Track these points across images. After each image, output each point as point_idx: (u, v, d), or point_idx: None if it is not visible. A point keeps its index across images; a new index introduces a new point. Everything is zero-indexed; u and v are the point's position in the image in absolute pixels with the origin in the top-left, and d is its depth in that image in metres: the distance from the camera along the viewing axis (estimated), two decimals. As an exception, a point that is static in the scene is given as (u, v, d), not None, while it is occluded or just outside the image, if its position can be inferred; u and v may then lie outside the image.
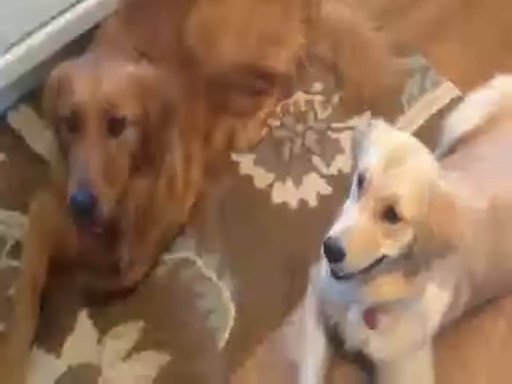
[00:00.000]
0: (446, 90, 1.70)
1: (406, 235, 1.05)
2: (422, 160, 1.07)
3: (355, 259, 1.05)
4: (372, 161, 1.06)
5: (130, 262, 1.36)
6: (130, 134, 1.21)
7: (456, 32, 1.79)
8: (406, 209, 1.03)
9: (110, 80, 1.19)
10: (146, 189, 1.29)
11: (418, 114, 1.67)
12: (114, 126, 1.18)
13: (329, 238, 1.05)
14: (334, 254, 1.04)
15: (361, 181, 1.07)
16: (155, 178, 1.30)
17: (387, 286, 1.13)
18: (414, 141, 1.10)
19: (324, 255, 1.07)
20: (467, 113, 1.43)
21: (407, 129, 1.64)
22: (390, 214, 1.04)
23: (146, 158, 1.25)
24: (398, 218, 1.03)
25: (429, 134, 1.57)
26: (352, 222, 1.05)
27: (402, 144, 1.08)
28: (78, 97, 1.17)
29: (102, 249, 1.33)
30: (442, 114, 1.66)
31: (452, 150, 1.42)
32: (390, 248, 1.06)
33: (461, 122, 1.42)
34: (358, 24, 1.71)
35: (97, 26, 1.56)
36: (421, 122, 1.66)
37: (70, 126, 1.18)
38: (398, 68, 1.71)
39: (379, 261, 1.08)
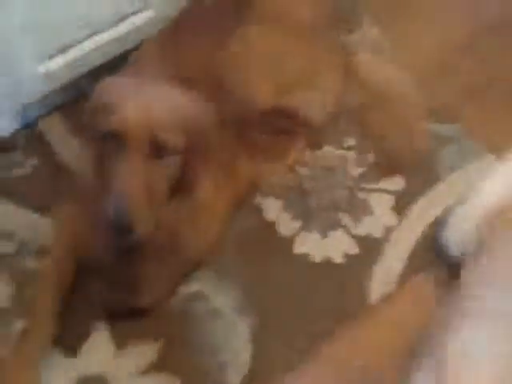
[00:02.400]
0: (488, 163, 1.65)
1: None
2: None
3: None
4: None
5: (149, 283, 1.36)
6: (171, 161, 1.20)
7: (500, 101, 1.76)
8: None
9: (157, 104, 1.18)
10: (175, 215, 1.29)
11: (455, 184, 1.63)
12: (157, 149, 1.17)
13: None
14: None
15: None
16: (184, 205, 1.30)
17: None
18: None
19: None
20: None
21: (444, 199, 1.60)
22: None
23: (180, 186, 1.24)
24: None
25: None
26: None
27: None
28: (124, 114, 1.16)
29: (126, 265, 1.33)
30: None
31: None
32: None
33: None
34: (396, 82, 1.69)
35: (135, 49, 1.56)
36: (458, 194, 1.60)
37: (112, 142, 1.18)
38: (435, 134, 1.68)
39: None
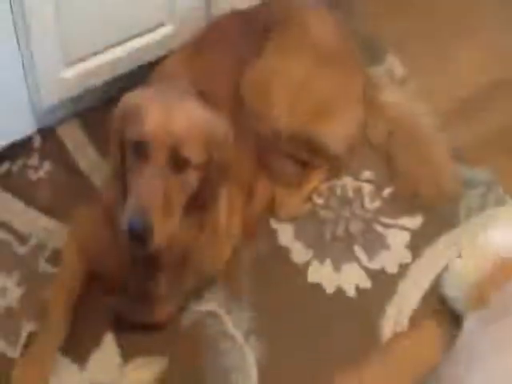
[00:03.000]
0: (510, 211, 1.63)
1: None
2: None
3: None
4: None
5: (162, 298, 1.36)
6: (191, 176, 1.20)
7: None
8: None
9: (182, 119, 1.19)
10: (192, 232, 1.29)
11: (475, 229, 1.59)
12: (178, 163, 1.18)
13: None
14: None
15: None
16: (202, 223, 1.30)
17: None
18: None
19: None
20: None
21: (461, 243, 1.56)
22: None
23: (197, 203, 1.24)
24: None
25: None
26: None
27: None
28: (149, 126, 1.17)
29: (139, 277, 1.32)
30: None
31: None
32: None
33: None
34: (421, 118, 1.66)
35: (154, 62, 1.57)
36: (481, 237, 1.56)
37: (136, 151, 1.18)
38: (458, 175, 1.64)
39: None
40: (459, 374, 1.16)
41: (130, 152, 1.19)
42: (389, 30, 1.87)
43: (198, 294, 1.46)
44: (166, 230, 1.17)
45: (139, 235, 1.14)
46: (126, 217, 1.15)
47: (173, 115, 1.18)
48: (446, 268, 1.49)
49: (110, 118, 1.24)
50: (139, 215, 1.13)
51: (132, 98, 1.23)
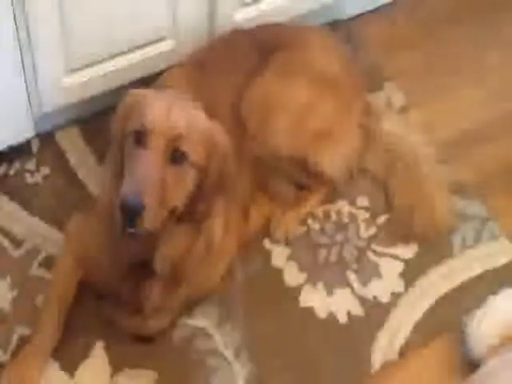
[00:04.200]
0: (504, 249, 1.63)
1: None
2: None
3: None
4: None
5: (154, 309, 1.35)
6: (187, 172, 1.21)
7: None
8: None
9: (183, 117, 1.21)
10: (186, 242, 1.30)
11: (468, 263, 1.60)
12: (176, 156, 1.19)
13: None
14: None
15: None
16: (196, 234, 1.31)
17: None
18: None
19: None
20: (489, 327, 1.37)
21: (454, 276, 1.57)
22: None
23: (193, 211, 1.25)
24: None
25: (480, 290, 1.52)
26: None
27: None
28: (151, 117, 1.19)
29: (132, 286, 1.33)
30: (498, 273, 1.58)
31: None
32: None
33: (481, 335, 1.37)
34: (419, 149, 1.66)
35: (154, 75, 1.58)
36: (470, 274, 1.58)
37: (136, 138, 1.19)
38: (454, 208, 1.64)
39: None
40: None
41: (130, 142, 1.20)
42: (392, 61, 1.88)
43: (189, 309, 1.45)
44: (157, 214, 1.17)
45: (131, 211, 1.14)
46: (120, 193, 1.16)
47: (174, 112, 1.20)
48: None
49: (112, 117, 1.26)
50: (134, 192, 1.14)
51: (134, 95, 1.25)
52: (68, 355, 1.38)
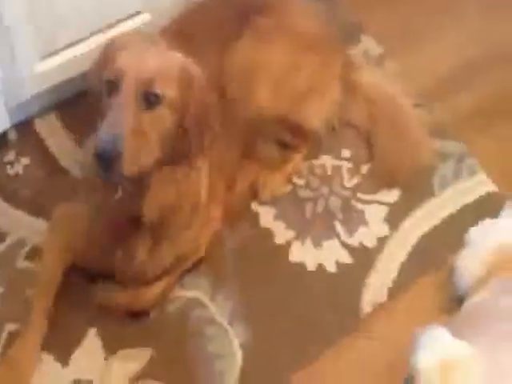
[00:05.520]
0: (482, 183, 1.67)
1: None
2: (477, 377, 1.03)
3: None
4: (425, 364, 1.03)
5: (144, 271, 1.37)
6: (164, 114, 1.21)
7: (501, 125, 1.76)
8: None
9: (155, 57, 1.22)
10: (171, 192, 1.30)
11: (449, 200, 1.65)
12: (149, 99, 1.19)
13: None
14: None
15: (411, 379, 1.03)
16: (182, 185, 1.30)
17: None
18: (470, 353, 1.06)
19: None
20: (470, 261, 1.40)
21: (437, 213, 1.61)
22: None
23: (176, 154, 1.25)
24: None
25: (460, 224, 1.56)
26: None
27: (457, 356, 1.04)
28: (120, 62, 1.19)
29: (122, 251, 1.34)
30: (476, 207, 1.63)
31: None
32: None
33: (465, 271, 1.39)
34: (398, 97, 1.69)
35: None
36: (452, 210, 1.63)
37: (109, 89, 1.20)
38: (434, 149, 1.68)
39: None
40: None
41: (104, 92, 1.21)
42: (368, 13, 1.88)
43: (181, 280, 1.47)
44: (136, 159, 1.17)
45: (106, 157, 1.14)
46: (95, 142, 1.16)
47: (146, 55, 1.21)
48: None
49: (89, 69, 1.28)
50: (107, 138, 1.13)
51: (110, 42, 1.26)
52: (61, 346, 1.38)
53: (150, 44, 1.26)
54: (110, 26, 1.59)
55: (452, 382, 1.00)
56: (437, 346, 1.05)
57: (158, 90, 1.19)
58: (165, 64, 1.22)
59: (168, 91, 1.20)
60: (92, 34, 1.58)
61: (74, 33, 1.55)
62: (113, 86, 1.19)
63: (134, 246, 1.35)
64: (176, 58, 1.24)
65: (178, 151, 1.24)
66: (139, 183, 1.23)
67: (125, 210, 1.28)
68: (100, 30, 1.58)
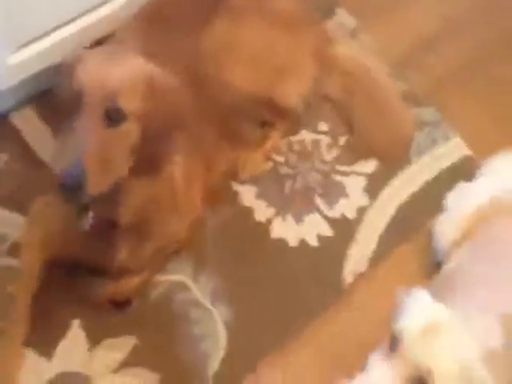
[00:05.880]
0: (457, 147, 1.70)
1: None
2: (459, 338, 1.04)
3: None
4: (408, 325, 1.04)
5: (125, 270, 1.37)
6: (129, 128, 1.19)
7: (473, 89, 1.79)
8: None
9: (116, 68, 1.18)
10: (147, 194, 1.29)
11: (425, 167, 1.67)
12: (113, 115, 1.17)
13: None
14: None
15: (394, 340, 1.04)
16: (157, 185, 1.29)
17: None
18: (453, 316, 1.08)
19: None
20: (446, 226, 1.42)
21: (414, 181, 1.63)
22: None
23: (148, 160, 1.23)
24: None
25: (436, 189, 1.58)
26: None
27: (441, 317, 1.06)
28: (81, 79, 1.16)
29: (101, 253, 1.33)
30: (452, 171, 1.65)
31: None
32: None
33: (442, 236, 1.42)
34: (373, 68, 1.71)
35: (107, 37, 1.56)
36: (428, 176, 1.65)
37: (70, 106, 1.17)
38: (409, 118, 1.70)
39: None
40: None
41: (71, 106, 1.17)
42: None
43: (163, 262, 1.48)
44: (101, 181, 1.15)
45: (70, 189, 1.12)
46: (58, 169, 1.13)
47: (108, 66, 1.17)
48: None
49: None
50: (71, 170, 1.11)
51: (73, 54, 1.23)
52: (44, 340, 1.38)
53: (113, 55, 1.22)
54: (83, 14, 1.58)
55: (433, 344, 1.02)
56: (418, 309, 1.07)
57: (122, 106, 1.16)
58: (128, 76, 1.17)
59: (133, 105, 1.17)
60: (66, 22, 1.56)
61: (47, 23, 1.53)
62: (76, 102, 1.16)
63: (114, 245, 1.34)
64: (140, 67, 1.20)
65: (147, 157, 1.22)
66: (112, 190, 1.21)
67: (100, 214, 1.26)
68: (74, 18, 1.57)
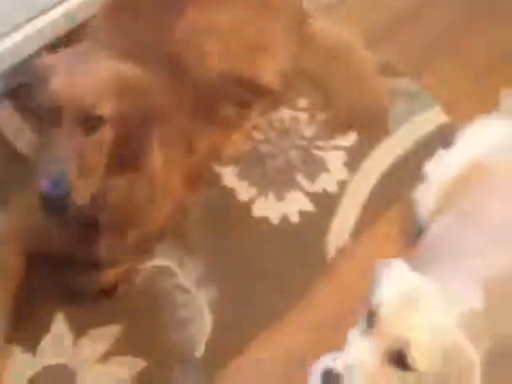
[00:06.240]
0: (435, 115, 1.70)
1: None
2: (439, 308, 1.03)
3: None
4: (386, 298, 1.02)
5: (109, 260, 1.37)
6: (106, 132, 1.19)
7: (447, 58, 1.79)
8: (418, 357, 0.97)
9: (89, 75, 1.17)
10: (126, 188, 1.29)
11: (404, 137, 1.67)
12: (89, 122, 1.17)
13: (329, 371, 0.97)
14: None
15: (371, 315, 1.03)
16: (135, 178, 1.30)
17: None
18: (430, 286, 1.06)
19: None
20: (425, 195, 1.41)
21: (393, 152, 1.64)
22: (400, 360, 0.97)
23: (125, 157, 1.23)
24: (409, 366, 0.97)
25: (415, 159, 1.58)
26: (357, 361, 0.98)
27: (417, 287, 1.05)
28: (54, 89, 1.16)
29: (82, 246, 1.33)
30: (430, 140, 1.65)
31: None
32: None
33: (422, 205, 1.41)
34: (349, 42, 1.71)
35: (81, 27, 1.56)
36: (407, 146, 1.65)
37: (48, 117, 1.17)
38: (387, 89, 1.70)
39: None
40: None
41: (45, 118, 1.17)
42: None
43: (146, 250, 1.47)
44: (86, 192, 1.17)
45: (57, 202, 1.13)
46: (40, 185, 1.14)
47: (79, 73, 1.16)
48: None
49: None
50: (54, 182, 1.12)
51: (41, 62, 1.22)
52: (29, 335, 1.38)
53: (84, 58, 1.21)
54: (57, 4, 1.57)
55: (409, 315, 1.01)
56: (394, 281, 1.06)
57: (99, 112, 1.16)
58: (101, 79, 1.17)
59: (108, 108, 1.17)
60: (37, 15, 1.56)
61: (18, 16, 1.52)
62: (50, 114, 1.16)
63: (96, 238, 1.34)
64: (113, 69, 1.20)
65: (125, 155, 1.22)
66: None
67: (80, 211, 1.24)
68: (45, 10, 1.56)
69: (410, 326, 0.99)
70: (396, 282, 1.05)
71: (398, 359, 0.98)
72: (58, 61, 1.20)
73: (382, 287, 1.05)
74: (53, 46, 1.58)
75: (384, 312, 1.01)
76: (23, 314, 1.38)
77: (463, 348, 1.00)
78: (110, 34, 1.43)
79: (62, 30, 1.62)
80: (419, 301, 1.02)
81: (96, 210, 1.27)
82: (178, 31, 1.47)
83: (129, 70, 1.22)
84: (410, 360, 0.97)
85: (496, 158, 1.32)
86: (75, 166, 1.14)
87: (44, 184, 1.14)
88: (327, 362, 1.00)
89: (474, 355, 1.00)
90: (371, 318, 1.03)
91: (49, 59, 1.22)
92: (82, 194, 1.16)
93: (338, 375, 0.96)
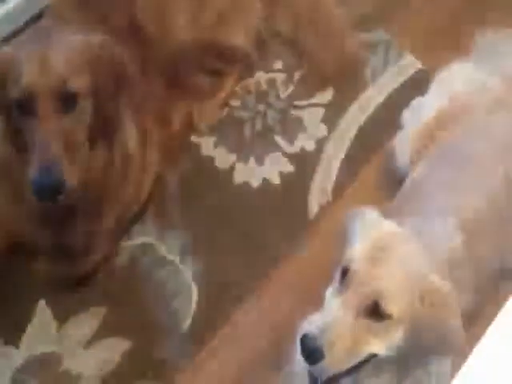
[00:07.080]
0: (409, 63, 1.68)
1: (395, 333, 0.97)
2: (411, 252, 1.00)
3: (336, 361, 0.95)
4: (357, 252, 0.99)
5: (86, 244, 1.35)
6: (84, 107, 1.18)
7: (417, 6, 1.76)
8: (393, 306, 0.95)
9: (58, 54, 1.16)
10: (100, 164, 1.27)
11: (382, 88, 1.65)
12: (67, 101, 1.15)
13: (305, 335, 0.94)
14: (312, 354, 0.94)
15: (344, 272, 1.00)
16: (108, 154, 1.28)
17: None
18: (402, 231, 1.04)
19: (301, 355, 0.96)
20: (403, 143, 1.39)
21: (370, 105, 1.62)
22: (375, 311, 0.95)
23: (100, 129, 1.22)
24: (385, 315, 0.95)
25: (393, 108, 1.56)
26: (332, 318, 0.95)
27: (389, 234, 1.02)
28: (27, 78, 1.13)
29: (59, 234, 1.31)
30: (406, 89, 1.63)
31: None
32: (378, 347, 0.97)
33: (400, 153, 1.39)
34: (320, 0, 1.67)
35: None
36: (385, 96, 1.63)
37: (22, 109, 1.14)
38: (360, 42, 1.67)
39: (366, 361, 0.99)
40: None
41: (17, 110, 1.15)
42: None
43: (125, 229, 1.45)
44: (77, 172, 1.16)
45: (51, 190, 1.12)
46: (31, 176, 1.12)
47: (47, 55, 1.14)
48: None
49: None
50: (45, 170, 1.11)
51: (4, 54, 1.18)
52: (10, 327, 1.36)
53: (47, 39, 1.18)
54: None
55: (380, 265, 0.98)
56: (368, 230, 1.03)
57: (74, 88, 1.14)
58: (69, 55, 1.15)
59: (82, 83, 1.16)
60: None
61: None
62: (25, 106, 1.13)
63: (72, 230, 1.32)
64: (80, 42, 1.18)
65: (97, 129, 1.20)
66: None
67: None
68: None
69: (382, 275, 0.97)
70: (369, 232, 1.02)
71: (373, 310, 0.96)
72: (22, 49, 1.17)
73: (354, 240, 1.02)
74: (20, 32, 1.56)
75: (355, 266, 0.98)
76: (3, 306, 1.37)
77: (438, 288, 0.98)
78: (74, 10, 1.39)
79: (27, 16, 1.60)
80: (392, 248, 0.99)
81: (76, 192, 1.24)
82: (140, 2, 1.43)
83: (98, 41, 1.20)
84: (383, 309, 0.96)
85: (470, 95, 1.31)
86: (62, 150, 1.13)
87: (33, 176, 1.12)
88: (306, 326, 0.98)
89: (449, 291, 0.99)
90: (343, 276, 1.00)
91: (12, 49, 1.19)
92: (74, 176, 1.15)
93: (315, 338, 0.94)
